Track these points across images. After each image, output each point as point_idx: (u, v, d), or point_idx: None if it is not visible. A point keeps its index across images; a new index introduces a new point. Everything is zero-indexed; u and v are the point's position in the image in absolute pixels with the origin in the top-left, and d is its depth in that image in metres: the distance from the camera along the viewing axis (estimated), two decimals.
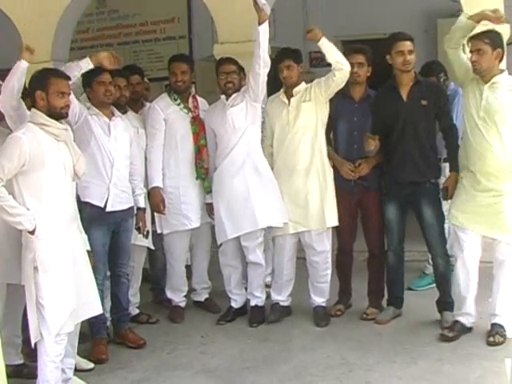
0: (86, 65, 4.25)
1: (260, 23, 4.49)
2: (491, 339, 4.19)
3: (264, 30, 4.51)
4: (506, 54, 4.28)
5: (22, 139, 3.51)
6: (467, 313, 4.37)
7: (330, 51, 4.55)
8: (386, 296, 4.88)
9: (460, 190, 4.31)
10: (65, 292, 3.59)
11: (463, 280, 4.35)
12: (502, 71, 4.23)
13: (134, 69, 5.33)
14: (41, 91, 3.63)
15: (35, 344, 3.63)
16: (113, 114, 4.47)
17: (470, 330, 4.40)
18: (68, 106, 3.72)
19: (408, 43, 4.47)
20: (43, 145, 3.58)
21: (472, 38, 4.18)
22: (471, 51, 4.17)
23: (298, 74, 4.73)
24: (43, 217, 3.56)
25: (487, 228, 4.23)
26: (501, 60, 4.20)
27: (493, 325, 4.26)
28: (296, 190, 4.74)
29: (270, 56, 4.65)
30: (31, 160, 3.52)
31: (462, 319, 4.38)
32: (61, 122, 3.71)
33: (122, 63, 4.89)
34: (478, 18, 4.20)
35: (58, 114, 3.66)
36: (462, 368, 3.96)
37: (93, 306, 3.84)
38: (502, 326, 4.24)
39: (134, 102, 5.05)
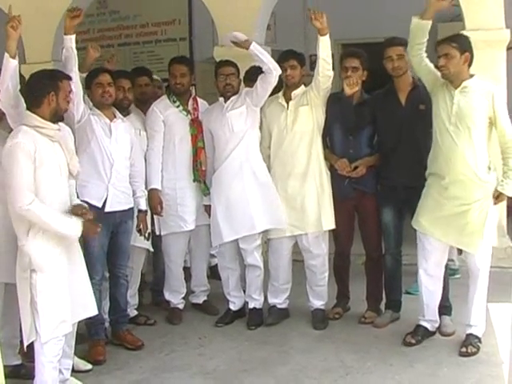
0: (69, 42, 4.22)
1: (248, 48, 4.59)
2: (464, 350, 4.17)
3: (256, 51, 4.58)
4: (504, 58, 4.25)
5: (21, 143, 3.49)
6: (431, 319, 4.41)
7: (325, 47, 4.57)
8: (384, 299, 4.89)
9: (427, 197, 4.27)
10: (59, 294, 3.59)
11: (426, 288, 4.36)
12: (472, 76, 4.15)
13: (142, 70, 5.38)
14: (54, 93, 3.61)
15: (32, 345, 3.63)
16: (114, 116, 4.47)
17: (433, 333, 4.44)
18: (68, 108, 3.74)
19: (398, 48, 4.44)
20: (40, 146, 3.57)
21: (440, 43, 4.13)
22: (439, 56, 4.11)
23: (300, 75, 4.74)
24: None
25: (454, 238, 4.21)
26: (470, 64, 4.13)
27: (467, 335, 4.25)
28: (292, 193, 4.75)
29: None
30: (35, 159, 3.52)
31: (426, 324, 4.42)
32: (55, 123, 3.70)
33: (119, 61, 4.92)
34: (429, 12, 4.16)
35: (60, 117, 3.68)
36: (459, 372, 3.97)
37: (88, 306, 3.84)
38: (476, 337, 4.22)
39: (142, 103, 5.07)
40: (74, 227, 3.59)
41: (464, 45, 4.10)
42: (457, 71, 4.09)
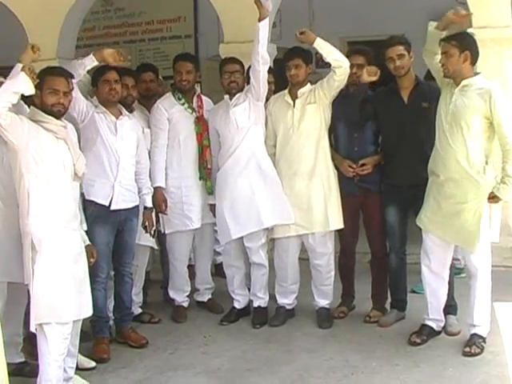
0: (90, 61, 4.27)
1: (260, 19, 4.50)
2: (467, 349, 4.14)
3: (264, 27, 4.52)
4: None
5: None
6: (436, 319, 4.39)
7: (327, 50, 4.55)
8: (389, 299, 4.86)
9: (428, 195, 4.27)
10: (58, 278, 3.58)
11: (430, 286, 4.35)
12: (476, 74, 4.12)
13: (147, 66, 5.37)
14: (37, 89, 3.65)
15: (36, 342, 3.63)
16: (120, 113, 4.46)
17: (439, 333, 4.42)
18: (60, 104, 3.67)
19: (397, 48, 4.42)
20: (43, 140, 3.59)
21: (441, 41, 4.11)
22: (441, 54, 4.10)
23: (305, 74, 4.70)
24: (42, 212, 3.57)
25: (452, 237, 4.19)
26: (473, 63, 4.09)
27: (471, 335, 4.22)
28: (299, 192, 4.72)
29: (277, 56, 4.65)
30: (30, 134, 3.54)
31: (431, 323, 4.40)
32: (61, 120, 3.71)
33: (131, 60, 4.88)
34: (443, 24, 4.16)
35: (50, 112, 3.65)
36: (465, 372, 3.95)
37: (85, 307, 3.80)
38: (480, 337, 4.19)
39: (147, 100, 5.05)
40: (24, 79, 3.53)
41: (464, 43, 4.05)
42: (456, 70, 4.06)
